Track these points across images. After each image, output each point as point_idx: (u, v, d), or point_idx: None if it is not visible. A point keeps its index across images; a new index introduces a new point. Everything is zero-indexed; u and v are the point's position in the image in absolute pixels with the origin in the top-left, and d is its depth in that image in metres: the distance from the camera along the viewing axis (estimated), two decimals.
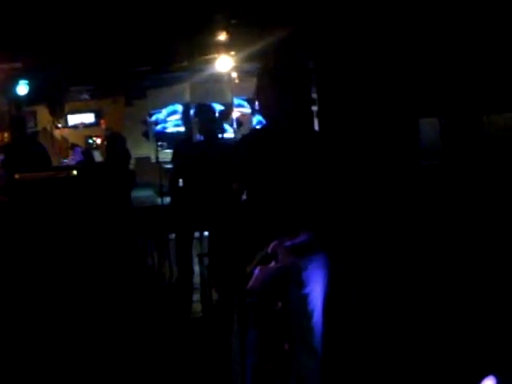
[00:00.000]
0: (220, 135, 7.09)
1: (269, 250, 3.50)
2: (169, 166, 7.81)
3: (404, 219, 5.04)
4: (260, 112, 3.93)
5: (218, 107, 9.71)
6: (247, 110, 13.72)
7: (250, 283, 3.52)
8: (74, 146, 13.91)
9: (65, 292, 6.63)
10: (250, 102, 13.15)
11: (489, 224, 5.01)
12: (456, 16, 5.18)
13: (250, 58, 10.67)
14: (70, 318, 6.15)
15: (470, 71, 5.22)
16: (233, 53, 11.52)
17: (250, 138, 3.97)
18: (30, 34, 8.89)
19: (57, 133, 15.34)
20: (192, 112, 11.74)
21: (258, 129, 3.97)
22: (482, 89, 5.24)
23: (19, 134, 7.50)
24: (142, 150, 12.49)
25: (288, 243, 3.51)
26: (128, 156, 8.53)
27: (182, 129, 13.89)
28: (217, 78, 13.12)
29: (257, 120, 12.84)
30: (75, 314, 6.27)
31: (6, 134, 11.22)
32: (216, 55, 11.65)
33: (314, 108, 5.56)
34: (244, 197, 3.80)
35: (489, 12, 5.15)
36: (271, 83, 3.68)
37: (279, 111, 3.67)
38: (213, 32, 10.28)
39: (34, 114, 14.74)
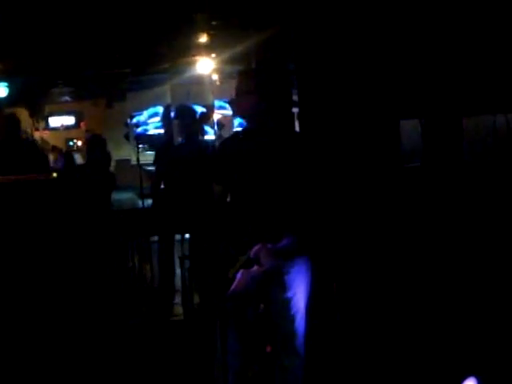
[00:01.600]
0: (201, 137, 7.05)
1: (251, 253, 3.49)
2: (149, 168, 7.77)
3: (386, 222, 5.05)
4: (240, 115, 3.92)
5: (200, 109, 9.67)
6: (228, 112, 13.68)
7: (233, 287, 3.51)
8: (54, 149, 13.82)
9: (43, 295, 6.57)
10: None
11: (471, 225, 5.03)
12: (436, 18, 5.19)
13: (231, 60, 10.67)
14: (48, 322, 6.10)
15: (450, 73, 5.24)
16: (213, 55, 11.52)
17: (231, 141, 3.96)
18: (10, 37, 8.83)
19: (37, 135, 15.24)
20: (172, 114, 11.70)
21: (239, 132, 3.96)
22: (461, 90, 5.26)
23: (13, 134, 6.99)
24: (123, 152, 12.46)
25: (270, 247, 3.50)
26: (108, 158, 8.47)
27: (163, 131, 13.85)
28: (198, 80, 13.11)
29: (238, 122, 12.81)
30: (53, 317, 6.21)
31: None
32: (197, 57, 11.64)
33: (295, 110, 5.56)
34: (228, 200, 3.79)
35: (469, 13, 5.17)
36: (252, 86, 3.67)
37: (260, 114, 3.66)
38: (193, 34, 10.26)
39: None
